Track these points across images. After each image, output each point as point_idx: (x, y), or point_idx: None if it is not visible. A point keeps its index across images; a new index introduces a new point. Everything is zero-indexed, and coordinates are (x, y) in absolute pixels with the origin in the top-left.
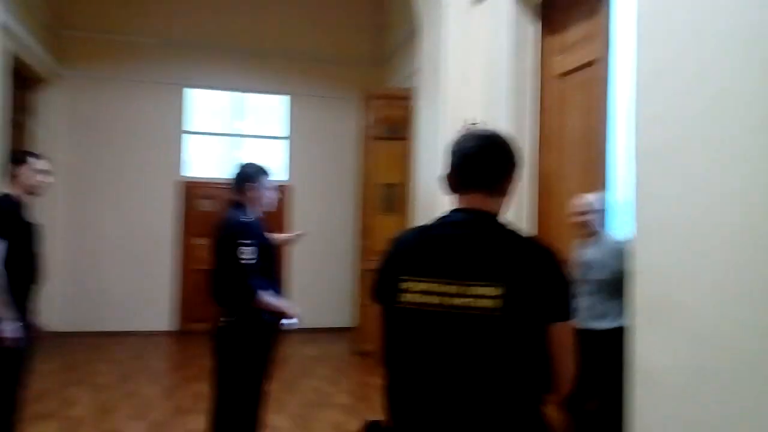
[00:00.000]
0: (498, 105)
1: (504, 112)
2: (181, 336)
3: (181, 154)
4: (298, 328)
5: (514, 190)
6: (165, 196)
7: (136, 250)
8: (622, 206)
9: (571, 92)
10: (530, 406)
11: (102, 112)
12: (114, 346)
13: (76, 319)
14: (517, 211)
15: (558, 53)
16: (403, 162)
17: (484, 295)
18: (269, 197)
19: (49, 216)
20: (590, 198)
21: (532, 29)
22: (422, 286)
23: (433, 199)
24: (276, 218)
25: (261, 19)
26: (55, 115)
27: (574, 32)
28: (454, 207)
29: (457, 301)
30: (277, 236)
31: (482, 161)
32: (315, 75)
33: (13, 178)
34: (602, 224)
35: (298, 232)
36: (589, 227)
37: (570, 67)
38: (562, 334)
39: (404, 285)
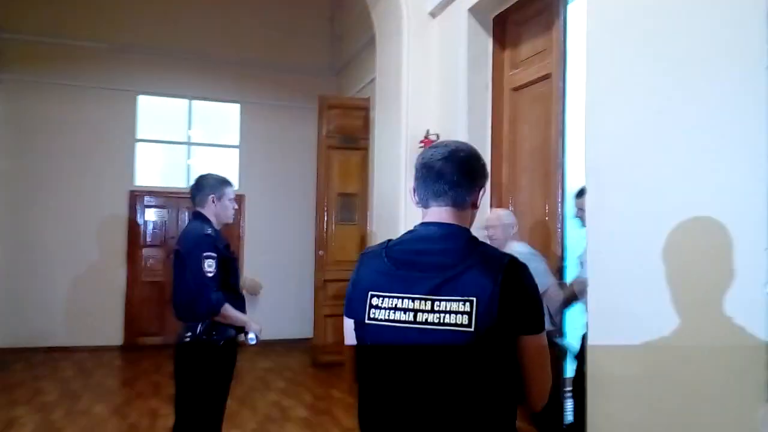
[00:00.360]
0: (454, 116)
1: (460, 124)
2: (129, 351)
3: (134, 163)
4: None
5: (480, 202)
6: (116, 206)
7: (84, 261)
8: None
9: (525, 106)
10: (504, 422)
11: (47, 119)
12: (59, 363)
13: (17, 334)
14: (474, 220)
15: (512, 67)
16: (361, 172)
17: (454, 311)
18: (231, 209)
19: None
20: (499, 212)
21: (487, 43)
22: (392, 302)
23: (391, 210)
24: (229, 228)
25: (214, 25)
26: None
27: (529, 47)
28: (423, 221)
29: (428, 316)
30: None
31: (450, 174)
32: (268, 83)
33: None
34: (509, 238)
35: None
36: (494, 240)
37: (524, 81)
38: (533, 348)
39: (374, 301)
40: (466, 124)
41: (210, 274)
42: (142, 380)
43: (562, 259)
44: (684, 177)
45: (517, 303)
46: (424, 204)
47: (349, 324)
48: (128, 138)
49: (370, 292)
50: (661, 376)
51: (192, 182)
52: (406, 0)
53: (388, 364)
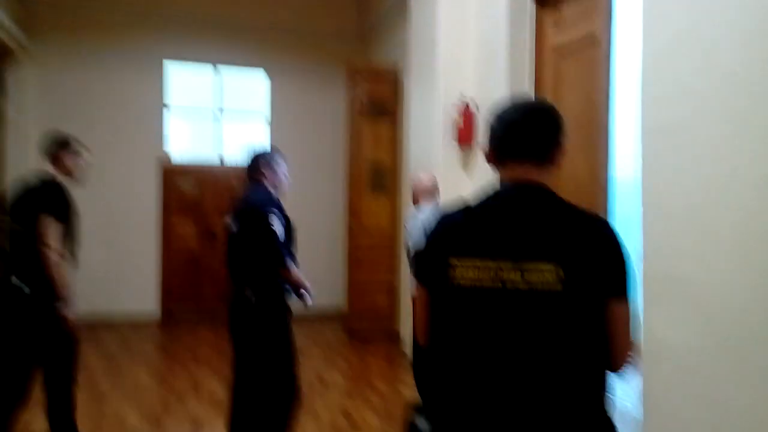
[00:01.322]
0: (493, 79)
1: (499, 87)
2: (166, 318)
3: (164, 130)
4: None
5: (562, 160)
6: (147, 174)
7: (117, 231)
8: (625, 184)
9: (568, 68)
10: (596, 389)
11: (77, 87)
12: (99, 333)
13: None
14: None
15: (554, 27)
16: (392, 140)
17: (542, 271)
18: (286, 180)
19: None
20: (421, 176)
21: (528, 2)
22: (477, 264)
23: None
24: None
25: None
26: (24, 90)
27: (571, 6)
28: (500, 180)
29: (515, 278)
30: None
31: (531, 129)
32: (294, 48)
33: (56, 161)
34: (430, 200)
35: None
36: (415, 199)
37: (567, 42)
38: (620, 311)
39: (453, 262)
40: (505, 87)
41: (275, 229)
42: (181, 349)
43: None
44: (748, 140)
45: (606, 265)
46: (500, 161)
47: (420, 287)
48: (157, 105)
49: (451, 256)
50: (721, 346)
51: (247, 156)
52: None
53: (471, 327)
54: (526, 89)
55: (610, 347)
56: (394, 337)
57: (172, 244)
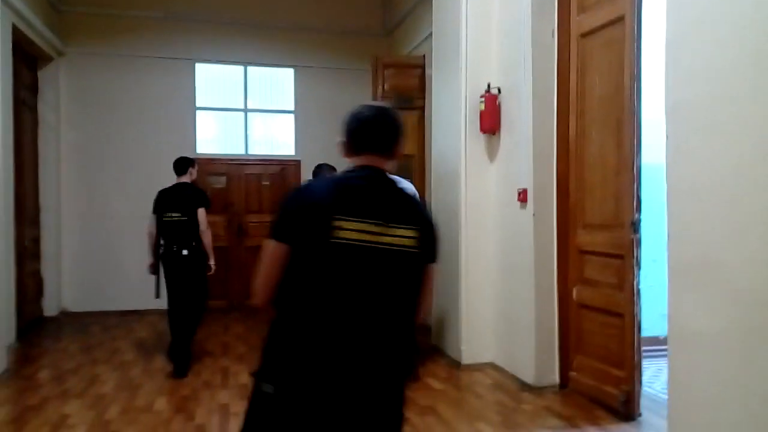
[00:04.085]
0: (517, 67)
1: (523, 75)
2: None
3: (195, 130)
4: None
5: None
6: None
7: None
8: (654, 169)
9: (595, 52)
10: (413, 325)
11: (109, 90)
12: (132, 325)
13: (89, 299)
14: (539, 176)
15: (580, 11)
16: (417, 132)
17: (405, 235)
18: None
19: (59, 197)
20: None
21: None
22: (355, 225)
23: (451, 167)
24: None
25: None
26: (59, 93)
27: None
28: (358, 164)
29: (385, 239)
30: None
31: (381, 129)
32: (322, 46)
33: (190, 174)
34: None
35: None
36: None
37: (594, 26)
38: (433, 272)
39: (338, 224)
40: (530, 74)
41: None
42: (211, 340)
43: (638, 211)
44: None
45: (435, 235)
46: (355, 152)
47: (281, 247)
48: (188, 106)
49: (333, 216)
50: (751, 330)
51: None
52: None
53: (350, 277)
54: (551, 75)
55: (423, 299)
56: (424, 330)
57: None
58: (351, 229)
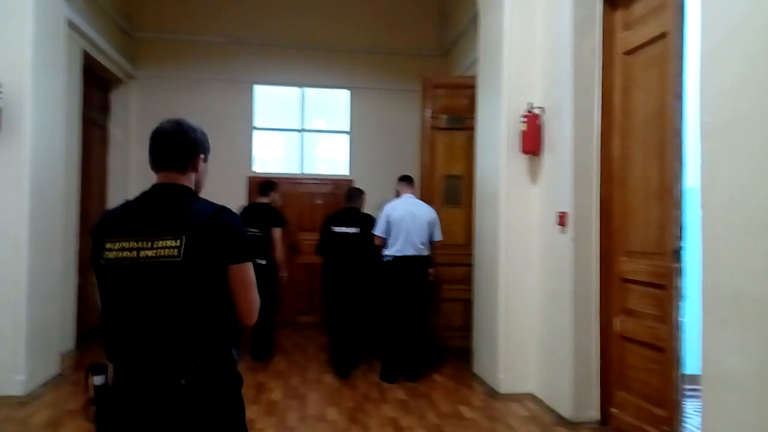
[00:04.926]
0: (559, 87)
1: (565, 94)
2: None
3: (252, 150)
4: None
5: (204, 168)
6: (237, 192)
7: None
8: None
9: (639, 70)
10: (216, 334)
11: (174, 110)
12: None
13: None
14: (579, 198)
15: (625, 29)
16: (467, 152)
17: (167, 246)
18: None
19: None
20: None
21: (595, 4)
22: (120, 244)
23: (492, 188)
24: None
25: (324, 14)
26: (129, 113)
27: (643, 4)
28: (156, 182)
29: (148, 252)
30: None
31: (172, 148)
32: (377, 67)
33: (269, 196)
34: None
35: None
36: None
37: (638, 43)
38: (239, 273)
39: (107, 246)
40: (571, 94)
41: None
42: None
43: (680, 238)
44: None
45: (222, 238)
46: (154, 169)
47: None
48: (246, 126)
49: (104, 239)
50: None
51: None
52: None
53: (118, 293)
54: (593, 94)
55: (236, 303)
56: (467, 356)
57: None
58: (114, 249)
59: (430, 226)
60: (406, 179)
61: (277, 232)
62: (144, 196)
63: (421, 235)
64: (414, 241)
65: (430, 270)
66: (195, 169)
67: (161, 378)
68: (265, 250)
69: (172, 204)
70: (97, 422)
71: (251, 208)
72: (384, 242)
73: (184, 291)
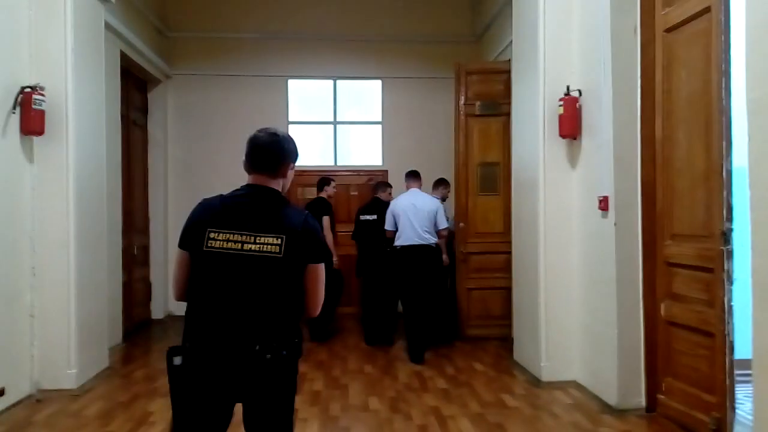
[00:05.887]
0: (597, 68)
1: (604, 75)
2: None
3: None
4: None
5: (290, 174)
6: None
7: None
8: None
9: (681, 48)
10: (294, 318)
11: (210, 108)
12: None
13: None
14: (621, 182)
15: (665, 5)
16: (503, 139)
17: (270, 243)
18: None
19: (166, 207)
20: None
21: None
22: (225, 236)
23: (529, 174)
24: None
25: (354, 4)
26: (166, 112)
27: None
28: (249, 182)
29: (251, 246)
30: None
31: (268, 154)
32: (409, 56)
33: (324, 191)
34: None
35: None
36: None
37: (680, 19)
38: (315, 271)
39: (211, 235)
40: (609, 74)
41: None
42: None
43: (728, 220)
44: None
45: (306, 241)
46: (249, 171)
47: (183, 253)
48: (281, 120)
49: (208, 229)
50: None
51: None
52: None
53: (220, 280)
54: (633, 74)
55: (307, 298)
56: (508, 345)
57: None
58: (220, 239)
59: (432, 216)
60: (412, 174)
61: (325, 220)
62: (242, 194)
63: (423, 225)
64: (417, 231)
65: (444, 257)
66: (284, 175)
67: (250, 352)
68: None
69: (270, 206)
70: (174, 396)
71: (309, 204)
72: (394, 234)
73: (279, 282)
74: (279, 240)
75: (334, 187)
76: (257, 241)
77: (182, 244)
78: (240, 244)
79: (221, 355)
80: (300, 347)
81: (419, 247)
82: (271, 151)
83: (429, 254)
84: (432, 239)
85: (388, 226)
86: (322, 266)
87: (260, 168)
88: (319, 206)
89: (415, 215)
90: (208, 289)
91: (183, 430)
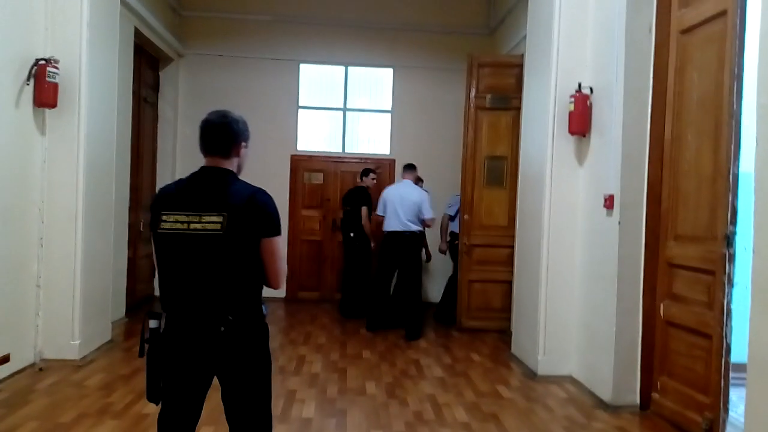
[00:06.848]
0: (610, 66)
1: (618, 74)
2: (288, 299)
3: (296, 128)
4: None
5: (245, 153)
6: (281, 169)
7: None
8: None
9: (695, 49)
10: (250, 293)
11: (221, 88)
12: None
13: None
14: (627, 181)
15: (681, 6)
16: (512, 133)
17: (212, 221)
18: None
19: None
20: None
21: None
22: (174, 217)
23: (536, 170)
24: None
25: None
26: (178, 91)
27: None
28: (204, 165)
29: (196, 225)
30: None
31: (218, 136)
32: (422, 46)
33: (363, 180)
34: None
35: None
36: None
37: (696, 21)
38: (269, 245)
39: (163, 217)
40: (622, 72)
41: None
42: (296, 329)
43: (732, 223)
44: None
45: (256, 216)
46: (203, 154)
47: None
48: (291, 105)
49: (161, 212)
50: None
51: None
52: None
53: (172, 258)
54: (646, 73)
55: (266, 270)
56: (506, 338)
57: (298, 233)
58: (170, 221)
59: (417, 206)
60: (407, 167)
61: (363, 211)
62: (194, 176)
63: (407, 213)
64: (401, 219)
65: (424, 251)
66: (237, 154)
67: (205, 325)
68: (354, 224)
69: (217, 185)
70: (148, 358)
71: (350, 191)
72: (382, 219)
73: (224, 258)
74: (221, 218)
75: (373, 179)
76: (202, 220)
77: (149, 227)
78: (186, 224)
79: (181, 329)
80: (261, 322)
81: (402, 233)
82: (221, 132)
83: (411, 241)
84: (414, 227)
85: (379, 211)
86: (275, 240)
87: (212, 150)
88: (359, 196)
89: (401, 204)
90: (165, 268)
91: (153, 395)
